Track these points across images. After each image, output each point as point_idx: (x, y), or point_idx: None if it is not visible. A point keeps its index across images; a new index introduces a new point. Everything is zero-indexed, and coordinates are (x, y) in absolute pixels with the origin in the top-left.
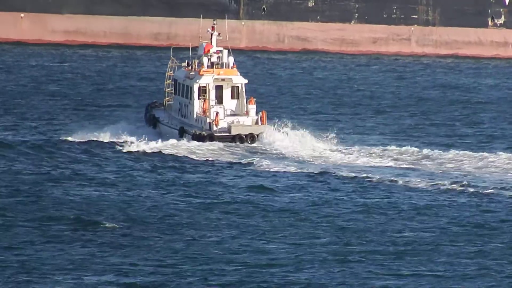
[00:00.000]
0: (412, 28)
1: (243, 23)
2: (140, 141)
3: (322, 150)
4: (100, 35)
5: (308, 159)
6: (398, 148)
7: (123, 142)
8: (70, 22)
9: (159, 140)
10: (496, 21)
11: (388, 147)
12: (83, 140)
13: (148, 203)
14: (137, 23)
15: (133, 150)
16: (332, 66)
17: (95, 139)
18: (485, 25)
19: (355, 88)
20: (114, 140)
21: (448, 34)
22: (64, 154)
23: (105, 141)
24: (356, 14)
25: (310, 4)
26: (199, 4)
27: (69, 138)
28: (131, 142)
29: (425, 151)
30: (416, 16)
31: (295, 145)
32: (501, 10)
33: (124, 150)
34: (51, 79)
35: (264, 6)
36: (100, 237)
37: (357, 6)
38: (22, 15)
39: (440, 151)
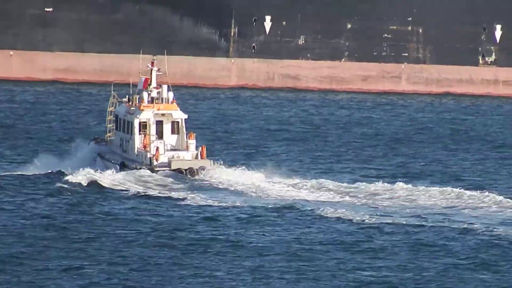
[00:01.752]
0: (403, 66)
1: (232, 61)
2: (78, 174)
3: (261, 182)
4: (90, 72)
5: (247, 191)
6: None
7: (61, 175)
8: (60, 60)
9: (99, 174)
10: (486, 59)
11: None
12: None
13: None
14: (127, 60)
15: (71, 182)
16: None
17: (30, 173)
18: (476, 63)
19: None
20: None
21: (439, 72)
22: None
23: (42, 173)
24: (347, 52)
25: (301, 42)
26: (189, 42)
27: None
28: (70, 175)
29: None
30: (406, 54)
31: (234, 178)
32: (492, 48)
33: (60, 184)
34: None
35: (254, 44)
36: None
37: (347, 44)
38: (11, 52)
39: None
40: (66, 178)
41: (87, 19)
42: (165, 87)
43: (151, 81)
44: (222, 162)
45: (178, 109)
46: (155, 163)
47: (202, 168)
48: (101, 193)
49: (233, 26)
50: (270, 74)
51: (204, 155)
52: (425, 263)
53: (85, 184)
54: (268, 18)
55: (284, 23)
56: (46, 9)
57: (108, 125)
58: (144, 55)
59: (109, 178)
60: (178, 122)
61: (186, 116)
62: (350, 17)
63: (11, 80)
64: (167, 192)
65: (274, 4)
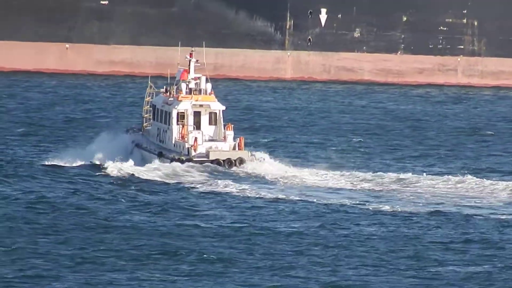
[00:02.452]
0: (459, 59)
1: (288, 53)
2: (119, 164)
3: (298, 174)
4: (145, 65)
5: (285, 183)
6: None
7: (101, 165)
8: (116, 53)
9: (138, 164)
10: None
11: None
12: (64, 164)
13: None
14: (182, 53)
15: (112, 173)
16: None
17: (72, 164)
18: None
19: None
20: (93, 163)
21: (494, 64)
22: (46, 179)
23: (83, 164)
24: (402, 45)
25: (356, 34)
26: (245, 34)
27: (53, 162)
28: (110, 166)
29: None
30: (462, 47)
31: (273, 170)
32: None
33: (103, 173)
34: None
35: (310, 37)
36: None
37: (403, 36)
38: (67, 45)
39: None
40: (105, 167)
41: (142, 12)
42: (203, 78)
43: (189, 72)
44: (266, 155)
45: (216, 100)
46: (193, 153)
47: (240, 159)
48: (140, 183)
49: (288, 18)
50: (326, 67)
51: (242, 146)
52: None
53: (123, 174)
54: (323, 10)
55: (339, 15)
56: (102, 2)
57: (145, 115)
58: (200, 48)
59: (147, 168)
60: (215, 113)
61: (223, 108)
62: (406, 9)
63: (67, 73)
64: (205, 182)
65: None
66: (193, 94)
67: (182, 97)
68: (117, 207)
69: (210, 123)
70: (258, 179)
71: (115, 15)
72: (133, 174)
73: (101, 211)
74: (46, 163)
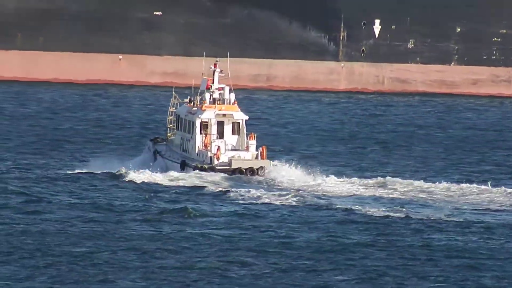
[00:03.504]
0: None
1: (342, 64)
2: (141, 173)
3: (323, 184)
4: (198, 76)
5: (308, 192)
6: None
7: (123, 173)
8: (168, 63)
9: (161, 172)
10: None
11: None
12: (88, 171)
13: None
14: (235, 64)
15: (135, 181)
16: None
17: (99, 171)
18: None
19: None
20: (116, 172)
21: None
22: (71, 185)
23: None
24: (456, 56)
25: (410, 45)
26: (298, 45)
27: (79, 170)
28: (131, 173)
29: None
30: None
31: (295, 178)
32: None
33: (126, 180)
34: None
35: (363, 48)
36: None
37: (456, 47)
38: (120, 56)
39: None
40: (128, 176)
41: (195, 23)
42: (227, 88)
43: (213, 82)
44: (291, 163)
45: (239, 110)
46: (215, 162)
47: (262, 168)
48: (163, 191)
49: (342, 29)
50: (380, 78)
51: (265, 155)
52: None
53: (146, 182)
54: (377, 21)
55: (393, 26)
56: (155, 12)
57: (169, 125)
58: (250, 58)
59: (169, 176)
60: (239, 123)
61: (247, 117)
62: (459, 20)
63: (120, 84)
64: (227, 190)
65: (383, 8)
66: (217, 104)
67: (205, 106)
68: (134, 215)
69: (233, 133)
70: (277, 187)
71: (167, 25)
72: (153, 182)
73: (119, 219)
74: (72, 171)
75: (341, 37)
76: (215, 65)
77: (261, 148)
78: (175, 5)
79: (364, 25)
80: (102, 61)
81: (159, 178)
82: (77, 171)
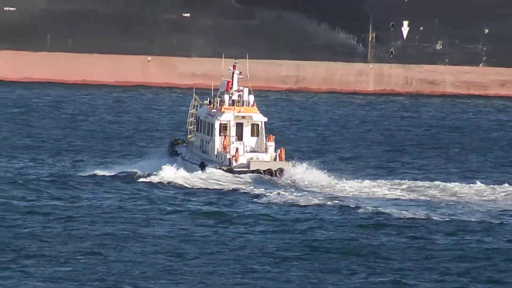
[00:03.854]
0: None
1: (370, 66)
2: (163, 174)
3: (341, 185)
4: (227, 78)
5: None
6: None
7: (147, 174)
8: (198, 65)
9: (182, 173)
10: None
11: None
12: (108, 174)
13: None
14: (263, 66)
15: (156, 181)
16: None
17: (122, 172)
18: None
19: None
20: (139, 173)
21: None
22: (94, 187)
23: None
24: (484, 57)
25: (438, 47)
26: (327, 46)
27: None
28: (155, 175)
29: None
30: None
31: (313, 180)
32: None
33: (147, 181)
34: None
35: (392, 49)
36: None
37: (485, 49)
38: (149, 58)
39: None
40: (147, 177)
41: (223, 25)
42: (246, 90)
43: (232, 84)
44: (308, 165)
45: (258, 112)
46: (234, 164)
47: (281, 170)
48: (181, 192)
49: (370, 31)
50: (408, 79)
51: (283, 157)
52: None
53: (165, 183)
54: (405, 23)
55: (421, 28)
56: (183, 14)
57: (189, 127)
58: (278, 60)
59: (188, 177)
60: (258, 124)
61: (265, 119)
62: (488, 21)
63: (149, 85)
64: (245, 191)
65: (412, 9)
66: (236, 105)
67: (224, 108)
68: (156, 215)
69: (252, 135)
70: (296, 188)
71: (196, 27)
72: (170, 183)
73: (140, 218)
74: (93, 173)
75: (370, 39)
76: (234, 66)
77: (279, 149)
78: (204, 7)
79: (392, 26)
80: (131, 62)
81: (179, 180)
82: (101, 173)
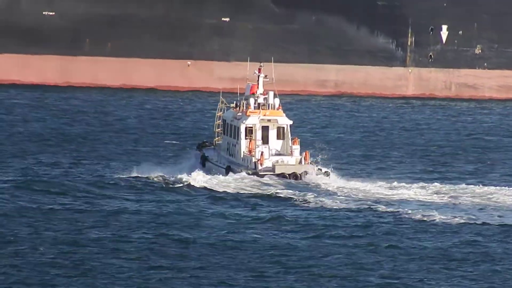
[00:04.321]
0: None
1: (410, 70)
2: (191, 178)
3: (365, 188)
4: (266, 82)
5: (352, 197)
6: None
7: (175, 178)
8: (237, 69)
9: (209, 177)
10: None
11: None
12: (138, 176)
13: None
14: (303, 70)
15: (184, 185)
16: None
17: (148, 175)
18: None
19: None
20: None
21: None
22: (121, 190)
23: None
24: None
25: (477, 51)
26: (366, 51)
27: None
28: (183, 178)
29: None
30: None
31: (338, 183)
32: None
33: (176, 185)
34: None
35: (431, 53)
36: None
37: None
38: (189, 62)
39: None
40: (176, 181)
41: (263, 29)
42: (271, 93)
43: (258, 87)
44: (331, 169)
45: (284, 115)
46: (259, 167)
47: (306, 173)
48: (208, 196)
49: (409, 35)
50: (447, 83)
51: (308, 160)
52: None
53: (195, 186)
54: (444, 27)
55: (460, 32)
56: (223, 18)
57: (216, 130)
58: (318, 64)
59: (214, 181)
60: (283, 127)
61: (291, 122)
62: None
63: (188, 90)
64: (270, 194)
65: (451, 13)
66: (261, 109)
67: (250, 112)
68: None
69: (278, 138)
70: (321, 191)
71: (236, 31)
72: (197, 187)
73: (169, 222)
74: (119, 176)
75: (409, 43)
76: (259, 70)
77: (304, 152)
78: (243, 11)
79: (431, 30)
80: (172, 67)
81: (211, 183)
82: (134, 175)
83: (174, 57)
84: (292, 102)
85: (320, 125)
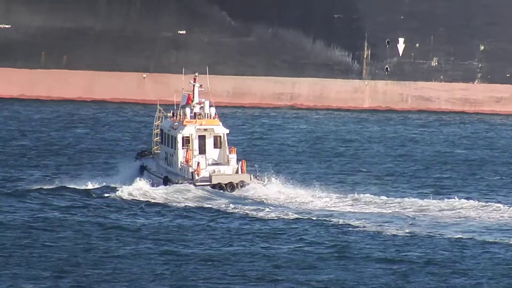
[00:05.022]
0: None
1: (366, 82)
2: (125, 188)
3: (302, 197)
4: (222, 95)
5: (286, 206)
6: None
7: (110, 188)
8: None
9: (146, 188)
10: None
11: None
12: (73, 187)
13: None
14: (260, 83)
15: (117, 197)
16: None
17: (83, 186)
18: None
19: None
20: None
21: None
22: (52, 201)
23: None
24: (479, 74)
25: (434, 63)
26: (323, 64)
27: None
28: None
29: None
30: None
31: (273, 191)
32: None
33: (108, 196)
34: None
35: (387, 66)
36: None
37: (480, 65)
38: (144, 75)
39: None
40: (113, 192)
41: (219, 42)
42: (207, 102)
43: (193, 97)
44: (264, 177)
45: (220, 124)
46: (196, 177)
47: (242, 182)
48: (143, 207)
49: (366, 48)
50: (403, 96)
51: (244, 169)
52: None
53: (129, 198)
54: (401, 40)
55: (417, 45)
56: (179, 31)
57: (155, 139)
58: (274, 77)
59: (151, 192)
60: (220, 136)
61: (227, 131)
62: (483, 38)
63: (144, 103)
64: (204, 206)
65: (407, 26)
66: (198, 118)
67: (186, 121)
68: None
69: (215, 147)
70: (257, 201)
71: (192, 44)
72: (133, 198)
73: (96, 233)
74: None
75: (365, 56)
76: (194, 79)
77: (241, 162)
78: (200, 24)
79: (388, 43)
80: (127, 79)
81: (152, 193)
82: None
83: (130, 69)
84: (237, 115)
85: (262, 136)
